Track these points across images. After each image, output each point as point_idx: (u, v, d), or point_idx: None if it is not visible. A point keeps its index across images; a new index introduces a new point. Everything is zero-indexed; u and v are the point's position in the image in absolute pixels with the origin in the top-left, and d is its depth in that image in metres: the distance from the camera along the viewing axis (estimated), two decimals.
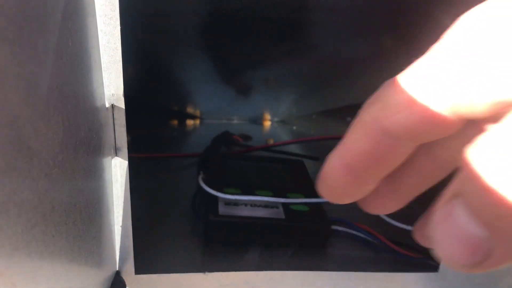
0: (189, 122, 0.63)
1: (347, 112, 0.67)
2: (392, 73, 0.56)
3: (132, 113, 0.64)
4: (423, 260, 0.36)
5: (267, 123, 0.65)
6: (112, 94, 0.23)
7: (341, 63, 0.52)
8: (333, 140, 0.56)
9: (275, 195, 0.41)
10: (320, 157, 0.54)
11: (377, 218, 0.40)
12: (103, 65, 0.22)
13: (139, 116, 0.65)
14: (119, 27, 0.21)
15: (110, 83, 0.22)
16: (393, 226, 0.38)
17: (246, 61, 0.53)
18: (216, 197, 0.39)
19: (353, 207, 0.43)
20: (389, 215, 0.39)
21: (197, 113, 0.64)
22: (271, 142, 0.58)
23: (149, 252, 0.36)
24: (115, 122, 0.23)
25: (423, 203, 0.46)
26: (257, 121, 0.66)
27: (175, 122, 0.63)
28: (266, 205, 0.39)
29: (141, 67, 0.55)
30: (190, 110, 0.63)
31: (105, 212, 0.24)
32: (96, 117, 0.22)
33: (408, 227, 0.38)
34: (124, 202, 0.25)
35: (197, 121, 0.64)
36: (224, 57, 0.52)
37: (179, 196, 0.45)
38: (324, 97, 0.61)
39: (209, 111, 0.64)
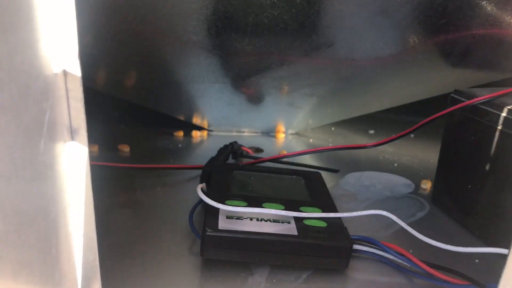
0: (196, 133, 0.58)
1: (369, 123, 0.61)
2: (419, 77, 0.49)
3: (134, 121, 0.59)
4: None
5: (281, 136, 0.59)
6: (64, 57, 0.17)
7: (364, 64, 0.46)
8: (353, 150, 0.50)
9: (286, 209, 0.34)
10: (340, 169, 0.48)
11: (410, 236, 0.33)
12: (46, 14, 0.17)
13: (140, 125, 0.60)
14: None
15: (61, 41, 0.17)
16: (429, 246, 0.32)
17: (258, 64, 0.47)
18: (217, 210, 0.33)
19: (380, 224, 0.37)
20: (425, 232, 0.32)
21: (205, 124, 0.58)
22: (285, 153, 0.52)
23: (132, 273, 0.30)
24: (69, 94, 0.18)
25: (463, 219, 0.39)
26: (270, 133, 0.60)
27: (181, 133, 0.58)
28: (276, 220, 0.33)
29: (142, 72, 0.50)
30: (196, 120, 0.58)
31: (55, 217, 0.18)
32: (39, 88, 0.16)
33: (449, 247, 0.31)
34: (86, 203, 0.20)
35: (205, 133, 0.58)
36: (234, 59, 0.47)
37: (178, 211, 0.39)
38: (344, 105, 0.55)
39: (218, 122, 0.58)
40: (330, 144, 0.57)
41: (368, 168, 0.50)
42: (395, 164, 0.52)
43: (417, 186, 0.47)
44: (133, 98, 0.54)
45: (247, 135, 0.60)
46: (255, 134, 0.60)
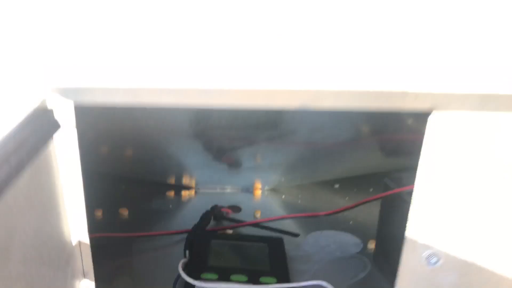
0: (185, 193, 0.68)
1: (335, 180, 0.70)
2: (366, 159, 0.61)
3: (132, 182, 0.68)
4: None
5: (258, 192, 0.70)
6: (78, 233, 0.27)
7: (323, 146, 0.57)
8: (314, 218, 0.60)
9: (249, 279, 0.45)
10: (301, 233, 0.58)
11: None
12: (67, 208, 0.27)
13: (138, 186, 0.70)
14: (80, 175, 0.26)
15: (76, 223, 0.27)
16: None
17: (235, 145, 0.58)
18: (193, 285, 0.44)
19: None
20: None
21: (192, 183, 0.68)
22: (259, 214, 0.62)
23: None
24: (82, 253, 0.28)
25: (394, 280, 0.49)
26: (249, 189, 0.70)
27: (172, 193, 0.68)
28: None
29: (139, 149, 0.60)
30: (185, 181, 0.68)
31: None
32: (65, 261, 0.26)
33: None
34: None
35: (192, 192, 0.68)
36: (214, 145, 0.57)
37: (167, 275, 0.48)
38: (308, 173, 0.65)
39: (204, 182, 0.68)
40: (299, 201, 0.68)
41: (327, 224, 0.60)
42: (351, 222, 0.62)
43: (365, 245, 0.57)
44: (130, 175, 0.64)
45: (229, 192, 0.70)
46: (236, 190, 0.70)
